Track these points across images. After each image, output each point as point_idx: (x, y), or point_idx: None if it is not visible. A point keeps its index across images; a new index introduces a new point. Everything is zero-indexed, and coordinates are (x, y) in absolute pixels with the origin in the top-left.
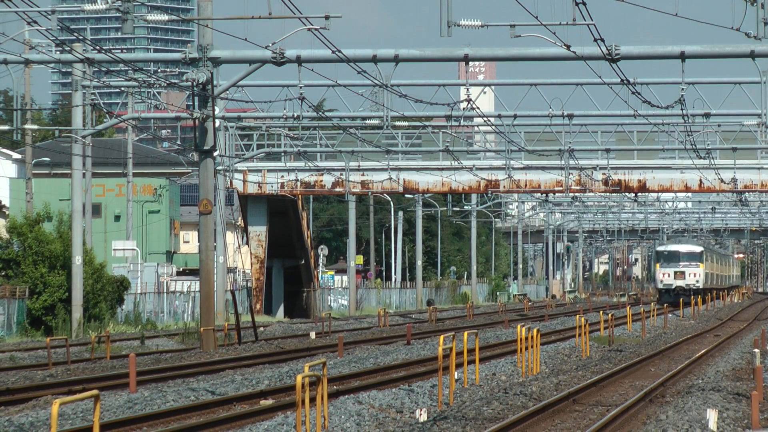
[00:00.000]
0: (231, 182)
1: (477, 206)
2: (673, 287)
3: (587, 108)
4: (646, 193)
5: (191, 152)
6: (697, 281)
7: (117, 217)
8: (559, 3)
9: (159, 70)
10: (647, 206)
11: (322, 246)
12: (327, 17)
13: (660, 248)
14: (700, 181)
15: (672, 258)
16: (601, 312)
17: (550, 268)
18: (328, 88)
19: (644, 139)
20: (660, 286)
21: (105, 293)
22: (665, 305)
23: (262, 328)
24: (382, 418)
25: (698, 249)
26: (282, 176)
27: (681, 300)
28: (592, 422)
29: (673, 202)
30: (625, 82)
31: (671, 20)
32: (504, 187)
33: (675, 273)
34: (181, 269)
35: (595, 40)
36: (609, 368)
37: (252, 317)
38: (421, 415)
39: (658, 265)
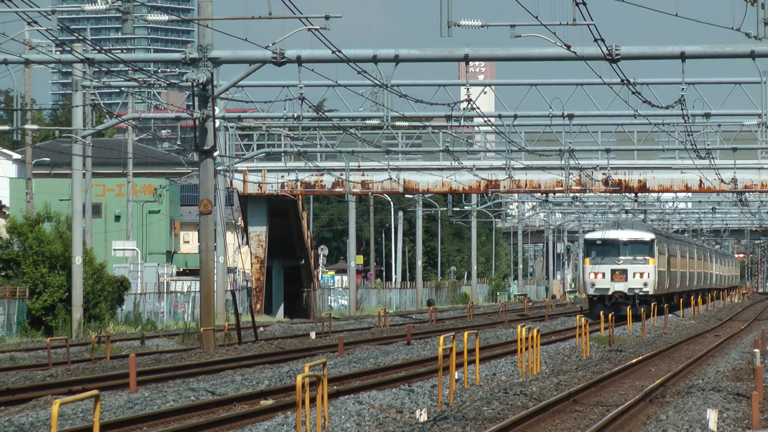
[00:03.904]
0: (231, 182)
1: (477, 206)
2: (610, 293)
3: (587, 108)
4: (647, 194)
5: (191, 152)
6: (645, 284)
7: (117, 217)
8: (559, 3)
9: (159, 70)
10: (647, 206)
11: (322, 246)
12: (327, 17)
13: (590, 236)
14: (701, 181)
15: (608, 250)
16: (601, 312)
17: (551, 268)
18: (328, 88)
19: (644, 139)
20: (591, 291)
21: (105, 293)
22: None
23: (262, 328)
24: (383, 418)
25: (647, 236)
26: (282, 176)
27: (615, 314)
28: (593, 422)
29: (674, 202)
30: (625, 82)
31: (671, 20)
32: (504, 187)
33: (612, 272)
34: (181, 269)
35: (595, 40)
36: (609, 368)
37: (252, 317)
38: (421, 415)
39: (587, 260)
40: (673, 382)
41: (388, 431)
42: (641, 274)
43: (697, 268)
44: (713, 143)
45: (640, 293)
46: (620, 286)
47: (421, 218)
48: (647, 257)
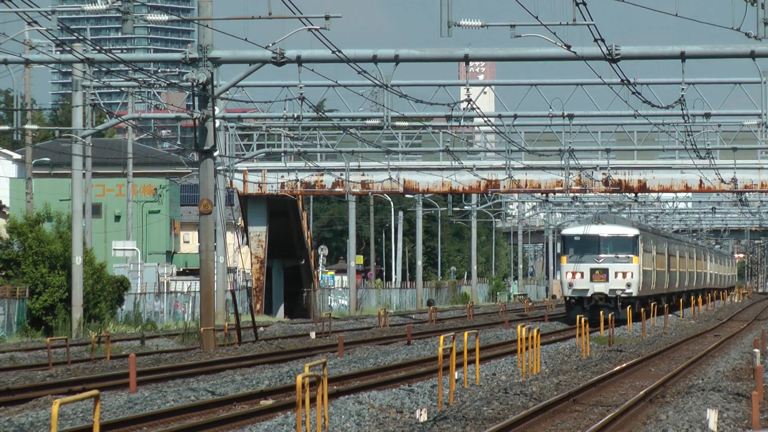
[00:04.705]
0: (231, 182)
1: (477, 206)
2: (590, 295)
3: (587, 108)
4: (646, 194)
5: (191, 152)
6: (628, 285)
7: (117, 217)
8: (559, 3)
9: (159, 70)
10: (647, 206)
11: (322, 246)
12: (327, 17)
13: (568, 231)
14: (701, 181)
15: (587, 247)
16: (601, 312)
17: (551, 268)
18: (328, 88)
19: (644, 139)
20: (568, 292)
21: (105, 293)
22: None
23: (262, 328)
24: (382, 418)
25: (630, 232)
26: (282, 176)
27: (604, 315)
28: (593, 422)
29: (674, 202)
30: (625, 82)
31: (671, 20)
32: (504, 187)
33: (592, 272)
34: (181, 269)
35: (595, 40)
36: (609, 368)
37: (252, 317)
38: (421, 415)
39: (564, 258)
40: (673, 382)
41: (388, 431)
42: (624, 274)
43: (688, 268)
44: (713, 143)
45: (623, 295)
46: (600, 287)
47: (421, 218)
48: (631, 255)
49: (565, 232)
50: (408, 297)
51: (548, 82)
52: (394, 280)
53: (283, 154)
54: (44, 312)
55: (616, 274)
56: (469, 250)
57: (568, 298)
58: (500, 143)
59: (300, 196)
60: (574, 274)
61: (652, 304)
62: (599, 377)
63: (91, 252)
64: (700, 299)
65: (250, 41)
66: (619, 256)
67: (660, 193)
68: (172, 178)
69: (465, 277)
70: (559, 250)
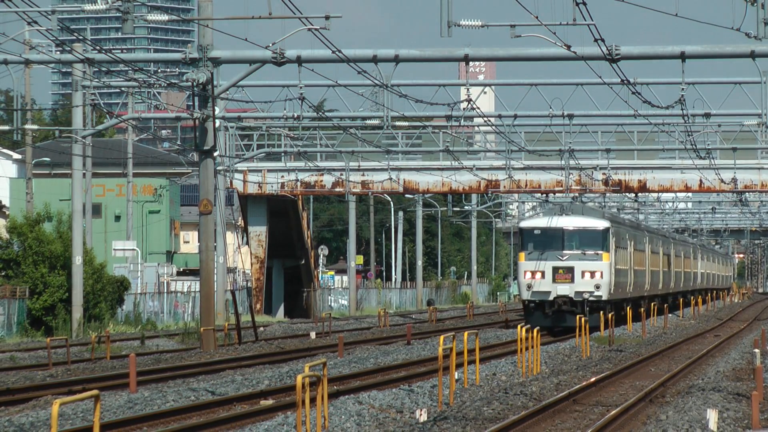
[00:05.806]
0: (231, 182)
1: (477, 206)
2: (552, 298)
3: (587, 108)
4: (646, 194)
5: (191, 152)
6: (597, 287)
7: (117, 217)
8: (559, 3)
9: (159, 70)
10: (647, 206)
11: (322, 246)
12: (327, 17)
13: (527, 224)
14: (700, 181)
15: (549, 242)
16: (601, 312)
17: None
18: (328, 88)
19: (644, 139)
20: (526, 294)
21: (105, 293)
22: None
23: (262, 328)
24: (383, 418)
25: (600, 224)
26: (282, 176)
27: (559, 326)
28: (593, 422)
29: (674, 202)
30: (625, 82)
31: (671, 20)
32: (504, 187)
33: (554, 271)
34: (181, 269)
35: (596, 40)
36: (609, 368)
37: (252, 317)
38: (421, 415)
39: (522, 255)
40: (673, 382)
41: (388, 431)
42: (592, 274)
43: (674, 267)
44: (713, 143)
45: (591, 298)
46: (565, 289)
47: (421, 218)
48: (600, 251)
49: (524, 224)
50: (408, 297)
51: (548, 82)
52: (394, 280)
53: (283, 154)
54: (44, 312)
55: (582, 273)
56: (469, 250)
57: (526, 302)
58: (500, 143)
59: (300, 196)
60: (533, 273)
61: (647, 307)
62: (599, 377)
63: (91, 252)
64: (699, 300)
65: (250, 41)
66: (586, 252)
67: (660, 193)
68: (172, 178)
69: (465, 277)
70: (518, 246)
